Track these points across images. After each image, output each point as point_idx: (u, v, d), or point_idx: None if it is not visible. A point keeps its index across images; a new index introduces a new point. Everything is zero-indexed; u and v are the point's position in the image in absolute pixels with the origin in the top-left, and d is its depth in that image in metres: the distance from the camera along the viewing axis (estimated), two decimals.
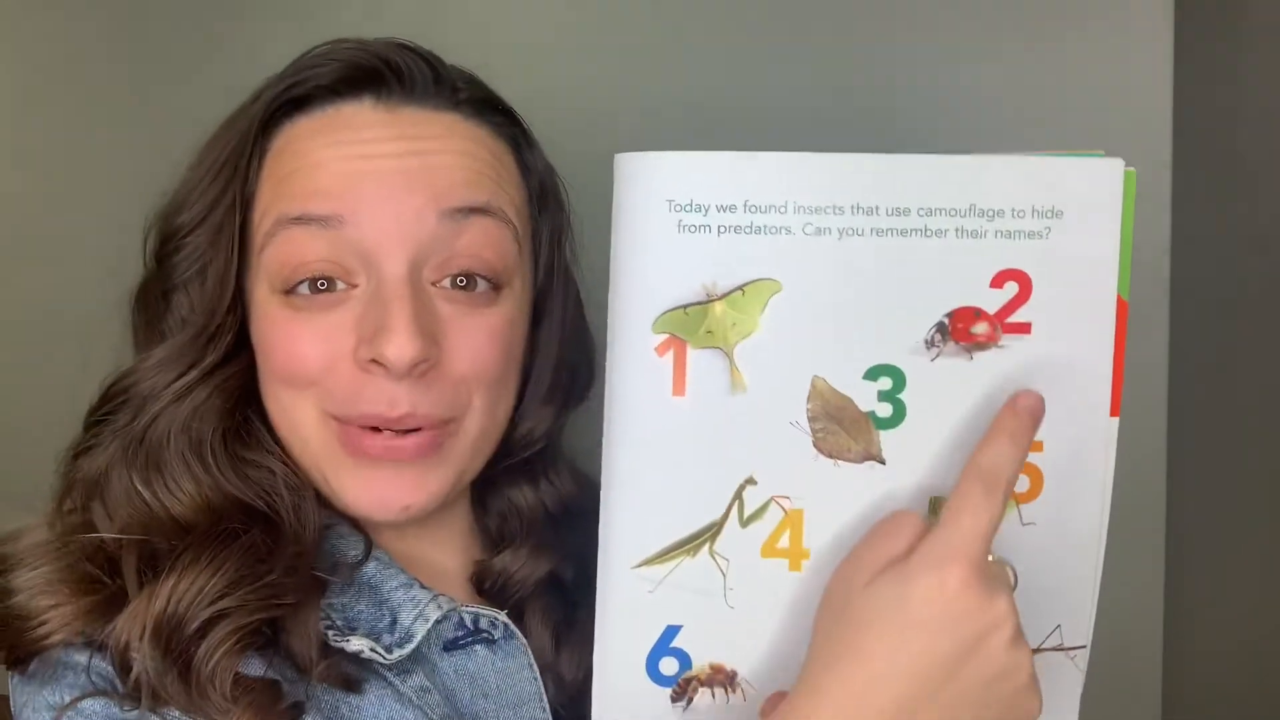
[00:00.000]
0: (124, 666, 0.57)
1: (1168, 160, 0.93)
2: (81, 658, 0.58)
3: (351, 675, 0.61)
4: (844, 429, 0.54)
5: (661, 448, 0.54)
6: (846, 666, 0.50)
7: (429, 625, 0.64)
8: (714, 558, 0.55)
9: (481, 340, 0.64)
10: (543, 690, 0.68)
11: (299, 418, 0.64)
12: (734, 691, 0.56)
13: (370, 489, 0.63)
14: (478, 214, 0.64)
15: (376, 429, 0.63)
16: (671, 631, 0.56)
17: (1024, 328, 0.54)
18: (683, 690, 0.56)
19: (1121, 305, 0.54)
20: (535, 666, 0.68)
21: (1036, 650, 0.56)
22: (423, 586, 0.65)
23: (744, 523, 0.55)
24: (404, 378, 0.61)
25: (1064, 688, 0.57)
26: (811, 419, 0.54)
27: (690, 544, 0.55)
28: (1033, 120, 0.94)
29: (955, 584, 0.49)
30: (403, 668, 0.63)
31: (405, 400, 0.61)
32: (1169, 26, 0.93)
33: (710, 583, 0.55)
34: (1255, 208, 0.87)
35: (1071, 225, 0.53)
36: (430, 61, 0.67)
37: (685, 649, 0.56)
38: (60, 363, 0.73)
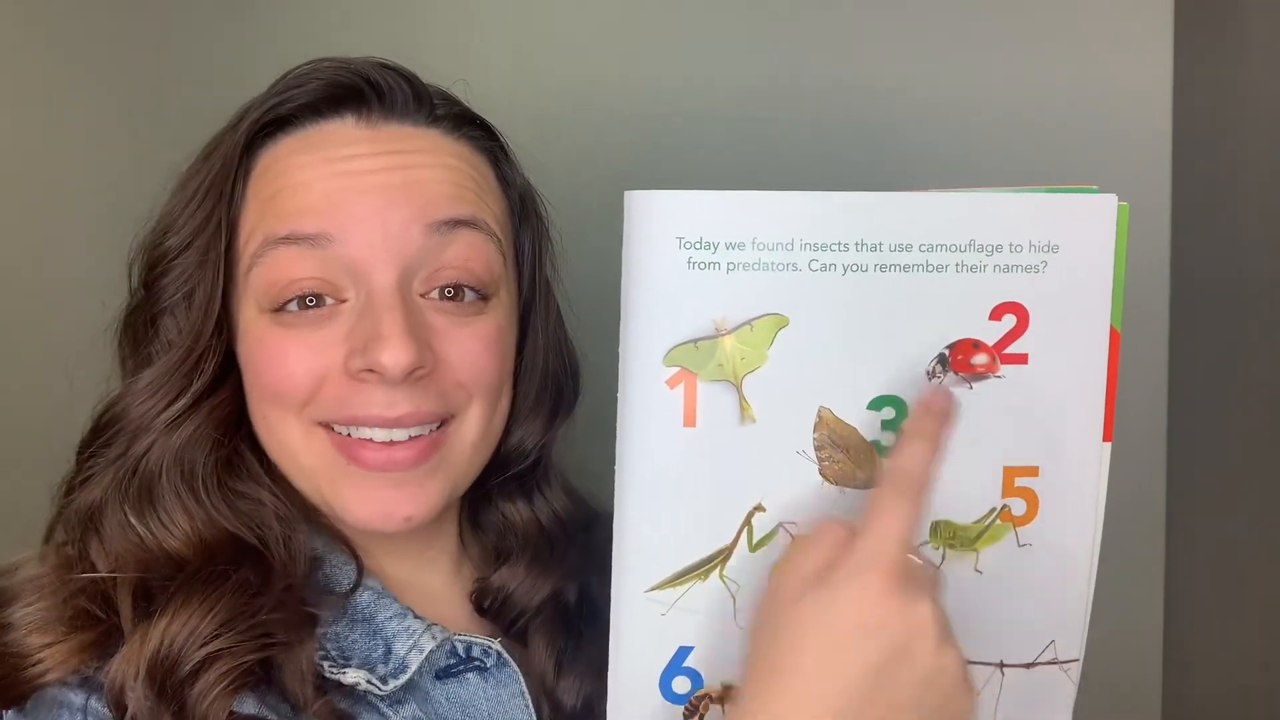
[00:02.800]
0: (119, 707, 0.58)
1: (1167, 163, 0.94)
2: (78, 698, 0.59)
3: (345, 711, 0.61)
4: (849, 457, 0.56)
5: (673, 477, 0.56)
6: (781, 686, 0.50)
7: (424, 656, 0.64)
8: (724, 581, 0.57)
9: (476, 347, 0.65)
10: (534, 718, 0.68)
11: (286, 435, 0.64)
12: None
13: (372, 501, 0.64)
14: (463, 226, 0.64)
15: (374, 440, 0.63)
16: (684, 652, 0.58)
17: (1021, 358, 0.56)
18: (695, 707, 0.58)
19: (1114, 335, 0.56)
20: (527, 694, 0.68)
21: (1032, 664, 0.59)
22: (416, 616, 0.66)
23: (753, 548, 0.57)
24: (399, 385, 0.61)
25: (1058, 699, 0.59)
26: (818, 448, 0.56)
27: (701, 569, 0.57)
28: (1032, 122, 0.95)
29: (876, 592, 0.50)
30: (395, 698, 0.64)
31: (404, 402, 0.62)
32: (1169, 27, 0.93)
33: (721, 605, 0.57)
34: (1256, 211, 0.89)
35: (1067, 259, 0.55)
36: (409, 79, 0.67)
37: (697, 668, 0.58)
38: (54, 389, 0.73)
